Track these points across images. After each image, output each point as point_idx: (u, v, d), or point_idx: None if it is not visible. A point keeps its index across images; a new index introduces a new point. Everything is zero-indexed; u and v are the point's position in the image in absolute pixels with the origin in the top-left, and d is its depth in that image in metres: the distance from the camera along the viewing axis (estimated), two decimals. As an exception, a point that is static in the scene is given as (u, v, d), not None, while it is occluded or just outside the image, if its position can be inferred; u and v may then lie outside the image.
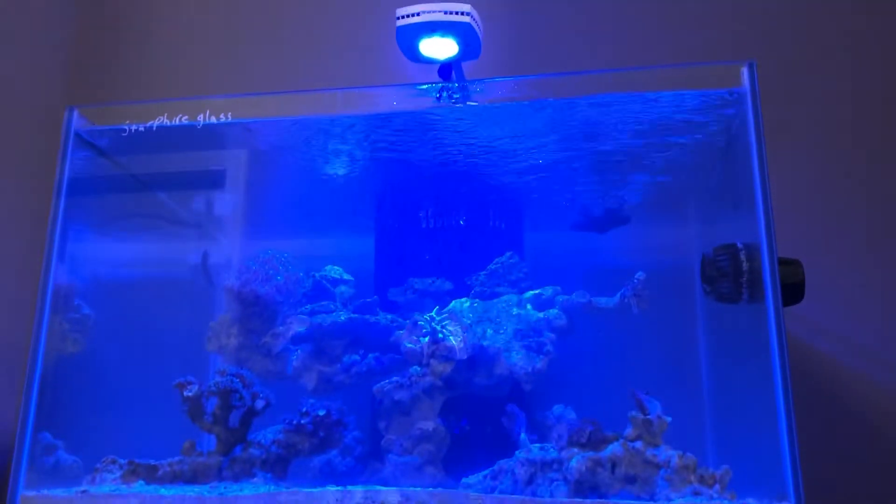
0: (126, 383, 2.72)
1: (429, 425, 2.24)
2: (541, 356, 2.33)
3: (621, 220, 2.62)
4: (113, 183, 2.47)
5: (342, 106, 2.00)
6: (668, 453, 1.81)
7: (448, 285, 2.59)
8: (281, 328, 2.37)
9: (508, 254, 2.60)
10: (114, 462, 1.94)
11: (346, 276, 2.67)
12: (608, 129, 2.06)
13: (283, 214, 2.84)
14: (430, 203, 2.64)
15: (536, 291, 2.49)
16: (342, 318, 2.41)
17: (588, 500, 1.71)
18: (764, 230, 1.83)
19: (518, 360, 2.30)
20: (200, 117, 1.97)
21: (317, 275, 2.65)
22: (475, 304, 2.51)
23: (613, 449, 1.85)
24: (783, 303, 1.83)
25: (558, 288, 2.48)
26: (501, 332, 2.40)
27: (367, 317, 2.45)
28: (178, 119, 1.97)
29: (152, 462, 1.94)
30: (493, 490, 2.03)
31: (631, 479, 1.83)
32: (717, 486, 1.70)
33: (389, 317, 2.45)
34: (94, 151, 2.21)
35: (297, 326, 2.39)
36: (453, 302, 2.55)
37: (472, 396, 2.31)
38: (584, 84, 1.93)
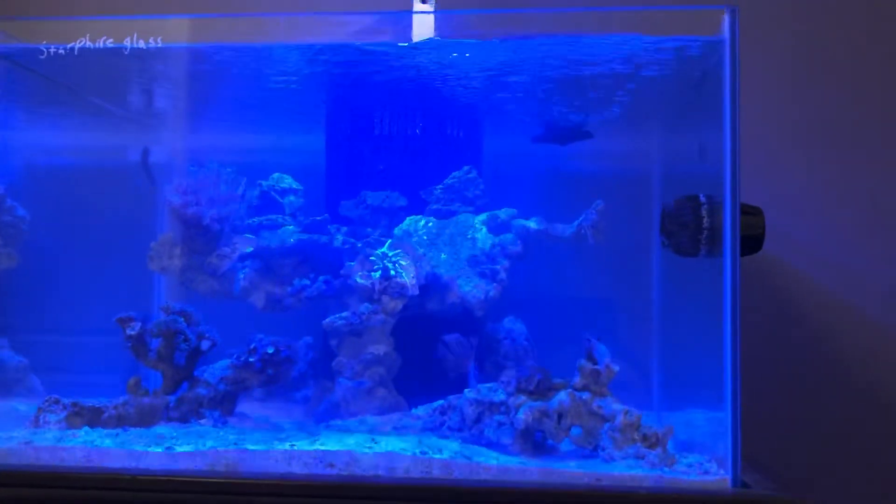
0: (67, 295, 2.66)
1: (380, 349, 2.23)
2: (494, 284, 2.30)
3: (583, 134, 2.51)
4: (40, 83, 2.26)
5: (286, 33, 1.80)
6: (614, 408, 1.83)
7: (402, 201, 2.49)
8: (227, 249, 2.29)
9: (466, 168, 2.49)
10: (57, 402, 1.90)
11: (295, 185, 2.55)
12: (578, 63, 1.91)
13: (229, 113, 2.66)
14: (385, 109, 2.49)
15: (492, 213, 2.42)
16: (291, 240, 2.33)
17: (532, 464, 1.73)
18: (729, 190, 1.76)
19: (471, 289, 2.28)
20: (128, 41, 1.77)
21: (264, 184, 2.53)
22: (430, 224, 2.44)
23: (560, 400, 1.87)
24: (742, 253, 1.80)
25: (514, 211, 2.42)
26: (455, 257, 2.35)
27: (318, 237, 2.37)
28: (102, 41, 1.77)
29: (97, 404, 1.91)
30: (441, 425, 2.06)
31: (576, 430, 1.87)
32: (659, 450, 1.73)
33: (340, 238, 2.36)
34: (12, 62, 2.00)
35: (243, 247, 2.30)
36: (407, 219, 2.48)
37: (424, 321, 2.30)
38: (555, 21, 1.77)
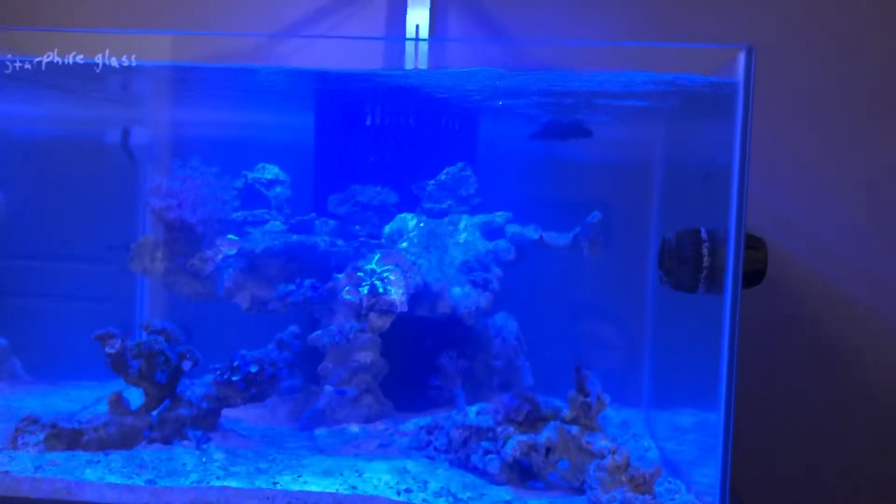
0: (49, 282, 2.59)
1: (367, 356, 2.19)
2: (486, 293, 2.24)
3: (583, 131, 2.40)
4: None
5: (274, 55, 1.68)
6: (603, 445, 1.81)
7: (393, 197, 2.41)
8: (209, 252, 2.21)
9: (460, 165, 2.40)
10: (35, 422, 1.86)
11: (282, 176, 2.46)
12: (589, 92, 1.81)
13: (214, 92, 2.52)
14: (378, 100, 2.37)
15: (486, 218, 2.34)
16: (277, 242, 2.25)
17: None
18: (734, 226, 1.69)
19: (462, 299, 2.22)
20: (99, 57, 1.64)
21: (249, 176, 2.43)
22: (421, 225, 2.36)
23: (549, 434, 1.85)
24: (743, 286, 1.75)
25: (509, 214, 2.34)
26: (447, 262, 2.29)
27: (304, 238, 2.29)
28: (71, 57, 1.64)
29: (76, 425, 1.87)
30: (427, 445, 2.04)
31: (564, 464, 1.85)
32: (647, 497, 1.72)
33: (327, 240, 2.29)
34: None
35: (226, 249, 2.23)
36: (398, 217, 2.40)
37: (414, 329, 2.25)
38: (562, 55, 1.65)
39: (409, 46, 1.85)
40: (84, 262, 2.61)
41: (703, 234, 1.81)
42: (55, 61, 1.66)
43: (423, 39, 1.76)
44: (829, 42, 2.30)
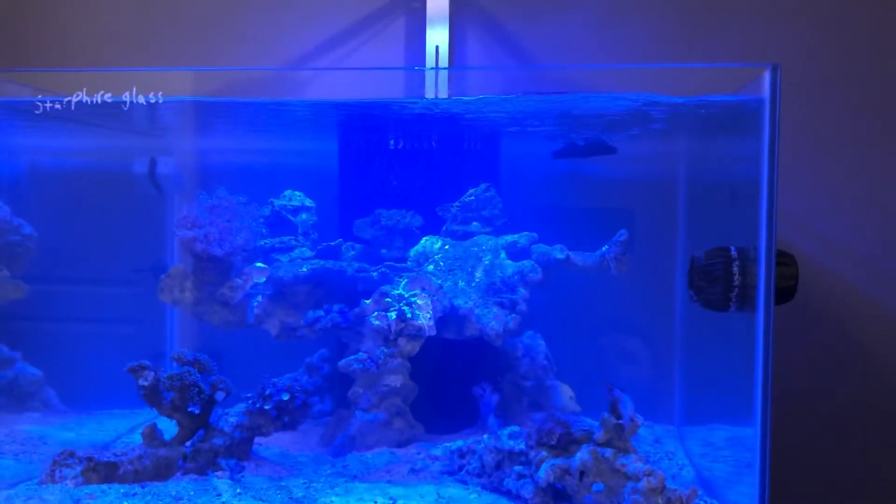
0: (80, 315, 2.62)
1: (396, 380, 2.19)
2: (513, 315, 2.24)
3: (607, 148, 2.40)
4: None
5: (302, 88, 1.70)
6: (638, 467, 1.79)
7: (418, 220, 2.42)
8: (239, 281, 2.23)
9: (484, 185, 2.40)
10: (72, 455, 1.88)
11: (308, 202, 2.48)
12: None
13: (239, 121, 2.55)
14: (400, 124, 2.38)
15: (512, 238, 2.34)
16: (304, 269, 2.26)
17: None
18: (765, 244, 1.68)
19: (489, 321, 2.21)
20: (126, 95, 1.67)
21: (276, 203, 2.45)
22: (446, 247, 2.37)
23: (582, 458, 1.83)
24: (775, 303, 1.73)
25: (534, 235, 2.34)
26: (473, 284, 2.28)
27: (332, 263, 2.30)
28: (99, 96, 1.67)
29: (112, 458, 1.89)
30: (460, 469, 2.04)
31: (598, 487, 1.83)
32: (684, 521, 1.70)
33: (356, 265, 2.30)
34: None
35: (255, 277, 2.24)
36: (423, 240, 2.40)
37: (442, 351, 2.25)
38: (582, 78, 1.65)
39: (430, 69, 1.86)
40: (113, 286, 2.64)
41: (733, 253, 1.80)
42: (84, 100, 1.68)
43: (443, 69, 1.78)
44: (859, 52, 2.27)
